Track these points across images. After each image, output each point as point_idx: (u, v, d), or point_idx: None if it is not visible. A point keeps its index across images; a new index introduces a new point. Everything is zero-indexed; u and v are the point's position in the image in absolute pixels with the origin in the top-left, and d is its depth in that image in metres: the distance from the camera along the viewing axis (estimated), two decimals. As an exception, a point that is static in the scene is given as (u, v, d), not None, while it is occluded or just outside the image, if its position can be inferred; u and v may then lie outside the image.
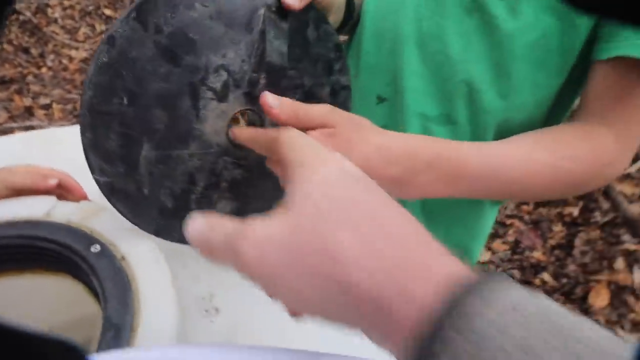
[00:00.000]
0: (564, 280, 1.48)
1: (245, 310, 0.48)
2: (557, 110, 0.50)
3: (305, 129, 0.35)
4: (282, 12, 0.41)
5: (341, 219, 0.18)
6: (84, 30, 3.51)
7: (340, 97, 0.48)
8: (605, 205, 1.62)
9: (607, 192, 1.62)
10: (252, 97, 0.42)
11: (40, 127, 2.17)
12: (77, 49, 3.21)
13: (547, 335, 0.14)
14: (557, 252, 1.58)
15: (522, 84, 0.46)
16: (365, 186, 0.20)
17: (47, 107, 2.49)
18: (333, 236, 0.18)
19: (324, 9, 0.46)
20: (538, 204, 1.72)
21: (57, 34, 3.39)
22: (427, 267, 0.17)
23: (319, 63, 0.46)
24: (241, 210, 0.46)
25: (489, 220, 0.60)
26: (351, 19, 0.56)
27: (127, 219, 0.41)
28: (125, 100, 0.37)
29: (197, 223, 0.22)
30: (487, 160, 0.40)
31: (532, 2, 0.42)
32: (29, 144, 0.64)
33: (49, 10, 3.71)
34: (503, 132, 0.49)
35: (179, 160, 0.41)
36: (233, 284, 0.48)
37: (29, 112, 2.42)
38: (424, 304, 0.16)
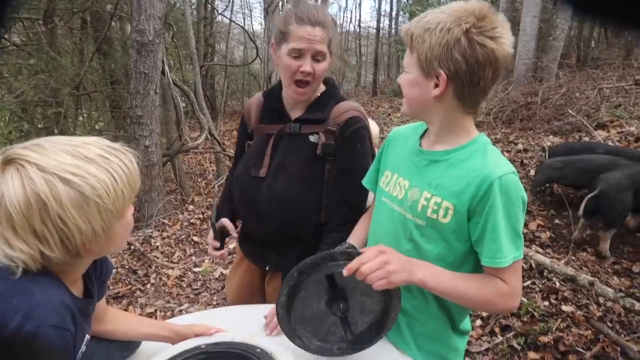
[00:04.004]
0: None
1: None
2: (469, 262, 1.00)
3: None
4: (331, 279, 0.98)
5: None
6: (178, 254, 4.33)
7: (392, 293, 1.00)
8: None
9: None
10: (341, 297, 0.97)
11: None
12: (172, 268, 3.94)
13: None
14: None
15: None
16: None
17: (151, 315, 3.09)
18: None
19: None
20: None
21: (157, 257, 4.23)
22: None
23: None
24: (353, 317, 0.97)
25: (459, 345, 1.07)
26: None
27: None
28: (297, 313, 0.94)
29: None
30: (450, 279, 0.93)
31: (432, 231, 0.97)
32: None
33: (152, 240, 4.69)
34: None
35: (324, 323, 0.95)
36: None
37: (139, 319, 3.01)
38: None
